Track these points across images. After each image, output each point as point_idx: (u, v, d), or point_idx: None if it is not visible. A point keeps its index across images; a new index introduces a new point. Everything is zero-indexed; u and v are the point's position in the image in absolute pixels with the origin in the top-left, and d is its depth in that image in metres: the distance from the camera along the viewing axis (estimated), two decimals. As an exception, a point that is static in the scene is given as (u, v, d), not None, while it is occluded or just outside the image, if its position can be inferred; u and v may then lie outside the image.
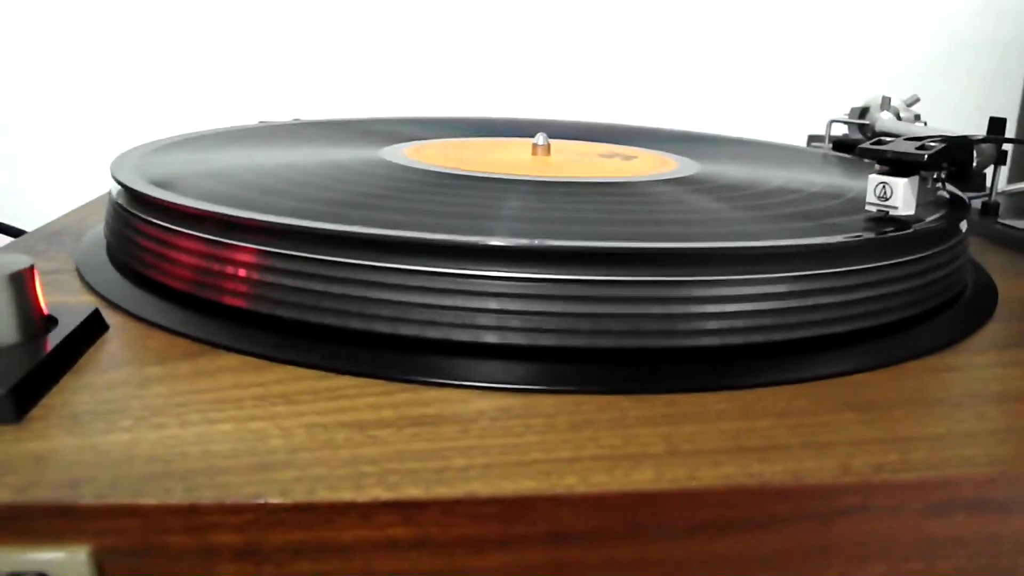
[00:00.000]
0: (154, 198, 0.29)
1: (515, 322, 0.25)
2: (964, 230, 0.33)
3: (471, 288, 0.25)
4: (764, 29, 0.68)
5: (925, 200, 0.30)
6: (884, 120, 0.45)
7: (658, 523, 0.19)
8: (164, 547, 0.18)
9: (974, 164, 0.32)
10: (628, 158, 0.41)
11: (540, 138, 0.39)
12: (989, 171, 0.45)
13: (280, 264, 0.26)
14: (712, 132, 0.57)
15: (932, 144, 0.29)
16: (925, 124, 0.48)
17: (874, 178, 0.30)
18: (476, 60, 0.67)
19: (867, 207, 0.30)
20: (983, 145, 0.33)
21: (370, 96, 0.65)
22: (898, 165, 0.29)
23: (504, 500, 0.19)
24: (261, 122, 0.54)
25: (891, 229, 0.29)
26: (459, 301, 0.25)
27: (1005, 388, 0.25)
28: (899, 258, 0.28)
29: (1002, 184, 0.47)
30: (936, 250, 0.29)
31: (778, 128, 0.64)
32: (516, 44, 0.67)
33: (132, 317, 0.28)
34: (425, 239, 0.25)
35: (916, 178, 0.30)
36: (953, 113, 0.72)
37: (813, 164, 0.45)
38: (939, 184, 0.32)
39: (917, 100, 0.50)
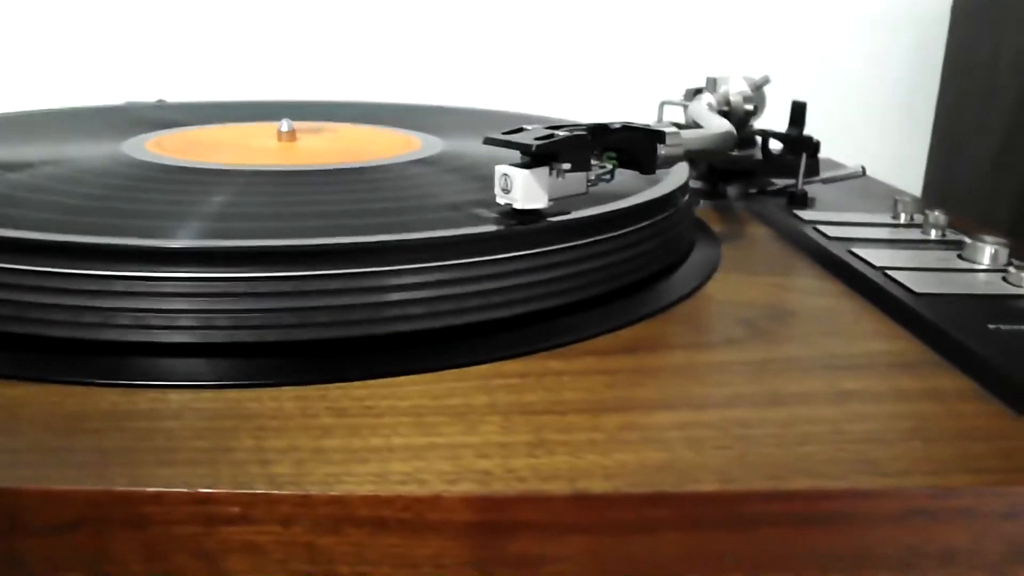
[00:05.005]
0: None
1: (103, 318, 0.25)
2: (629, 228, 0.30)
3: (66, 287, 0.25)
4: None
5: (564, 193, 0.28)
6: (694, 106, 0.42)
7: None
8: None
9: (657, 154, 0.30)
10: (373, 140, 0.40)
11: (284, 124, 0.39)
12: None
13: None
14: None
15: (560, 134, 0.27)
16: (754, 109, 0.44)
17: (498, 168, 0.28)
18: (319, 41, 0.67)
19: (497, 198, 0.28)
20: (713, 133, 0.31)
21: (228, 77, 0.65)
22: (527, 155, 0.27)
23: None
24: (128, 102, 0.55)
25: (513, 223, 0.27)
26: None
27: (536, 400, 0.23)
28: (480, 256, 0.26)
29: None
30: (529, 252, 0.27)
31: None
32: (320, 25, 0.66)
33: None
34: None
35: (544, 169, 0.27)
36: (868, 93, 0.66)
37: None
38: (607, 176, 0.29)
39: (767, 81, 0.46)
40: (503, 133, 0.28)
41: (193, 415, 0.22)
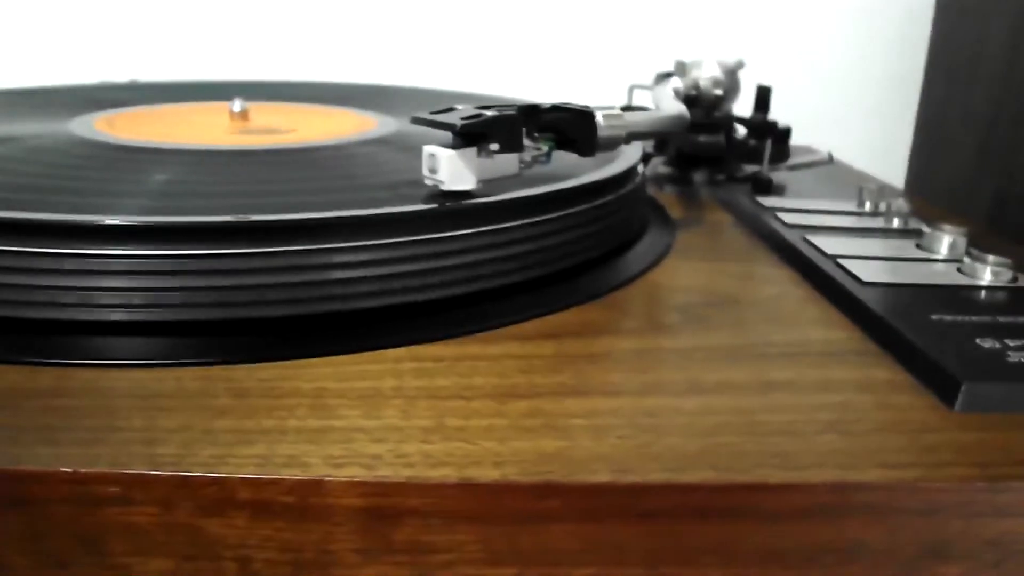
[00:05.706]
0: None
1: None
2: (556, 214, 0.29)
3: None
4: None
5: (494, 175, 0.27)
6: (658, 90, 0.40)
7: None
8: None
9: (596, 136, 0.29)
10: (328, 121, 0.40)
11: (236, 104, 0.38)
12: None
13: None
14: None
15: (488, 114, 0.26)
16: (724, 94, 0.43)
17: (426, 149, 0.27)
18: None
19: (425, 180, 0.27)
20: (660, 116, 0.30)
21: (197, 57, 0.65)
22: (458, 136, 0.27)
23: None
24: (100, 82, 0.55)
25: (439, 204, 0.27)
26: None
27: (447, 385, 0.23)
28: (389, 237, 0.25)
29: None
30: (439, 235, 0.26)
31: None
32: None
33: None
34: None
35: (472, 150, 0.27)
36: (852, 84, 0.64)
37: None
38: (543, 158, 0.29)
39: (741, 66, 0.45)
40: (431, 112, 0.27)
41: (94, 394, 0.22)
